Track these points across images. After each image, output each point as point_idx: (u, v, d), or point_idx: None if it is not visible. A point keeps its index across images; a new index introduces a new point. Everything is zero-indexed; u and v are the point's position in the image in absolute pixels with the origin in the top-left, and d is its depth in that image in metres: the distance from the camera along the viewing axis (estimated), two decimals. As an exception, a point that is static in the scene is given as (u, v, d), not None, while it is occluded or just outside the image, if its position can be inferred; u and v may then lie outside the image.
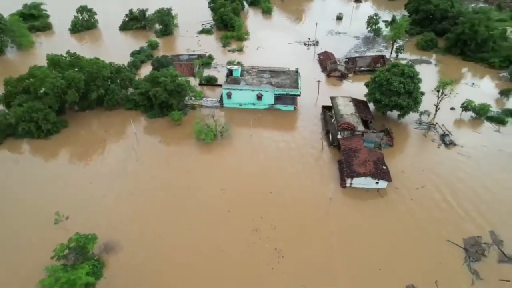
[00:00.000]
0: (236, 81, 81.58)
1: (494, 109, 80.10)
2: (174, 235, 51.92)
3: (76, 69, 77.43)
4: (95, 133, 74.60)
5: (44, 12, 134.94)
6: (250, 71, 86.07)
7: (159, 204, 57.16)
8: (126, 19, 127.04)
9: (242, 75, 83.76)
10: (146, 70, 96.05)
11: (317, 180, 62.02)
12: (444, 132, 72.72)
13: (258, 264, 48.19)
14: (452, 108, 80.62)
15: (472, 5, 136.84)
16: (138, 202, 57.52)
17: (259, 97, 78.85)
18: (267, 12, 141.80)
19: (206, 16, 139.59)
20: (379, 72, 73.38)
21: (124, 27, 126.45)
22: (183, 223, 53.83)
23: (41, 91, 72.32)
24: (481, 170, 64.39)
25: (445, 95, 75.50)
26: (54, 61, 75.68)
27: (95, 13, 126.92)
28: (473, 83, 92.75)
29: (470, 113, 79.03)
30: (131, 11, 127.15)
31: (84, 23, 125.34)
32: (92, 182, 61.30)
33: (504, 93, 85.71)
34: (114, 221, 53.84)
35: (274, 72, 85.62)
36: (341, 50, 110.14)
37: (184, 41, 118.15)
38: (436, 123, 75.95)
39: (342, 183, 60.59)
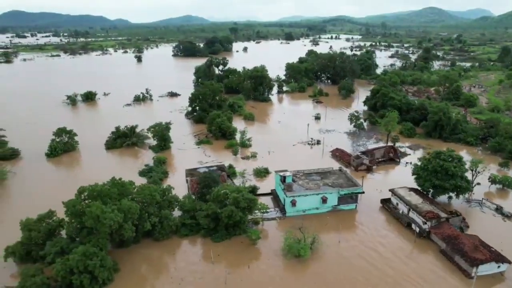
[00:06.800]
0: (290, 188, 78.80)
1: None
2: None
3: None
4: (159, 275, 60.53)
5: (2, 138, 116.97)
6: (297, 175, 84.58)
7: None
8: (112, 137, 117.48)
9: (293, 180, 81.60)
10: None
11: (440, 277, 59.31)
12: (497, 206, 79.40)
13: None
14: (478, 183, 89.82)
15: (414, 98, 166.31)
16: None
17: (324, 200, 76.65)
18: (249, 118, 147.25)
19: (187, 127, 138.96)
20: (427, 161, 79.76)
21: (111, 146, 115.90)
22: None
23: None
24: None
25: (478, 172, 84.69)
26: (102, 192, 63.21)
27: (75, 134, 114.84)
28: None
29: (495, 186, 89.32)
30: (117, 128, 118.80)
31: (63, 146, 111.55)
32: None
33: (503, 165, 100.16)
34: None
35: (321, 173, 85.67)
36: (342, 145, 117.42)
37: (186, 153, 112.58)
38: (482, 198, 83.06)
39: (466, 274, 59.04)
